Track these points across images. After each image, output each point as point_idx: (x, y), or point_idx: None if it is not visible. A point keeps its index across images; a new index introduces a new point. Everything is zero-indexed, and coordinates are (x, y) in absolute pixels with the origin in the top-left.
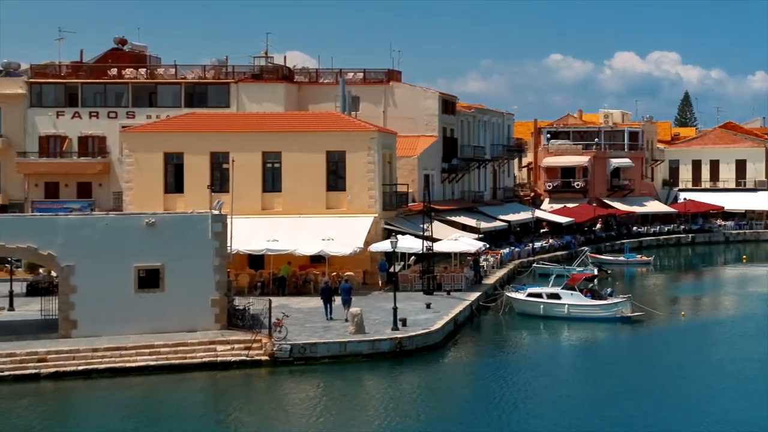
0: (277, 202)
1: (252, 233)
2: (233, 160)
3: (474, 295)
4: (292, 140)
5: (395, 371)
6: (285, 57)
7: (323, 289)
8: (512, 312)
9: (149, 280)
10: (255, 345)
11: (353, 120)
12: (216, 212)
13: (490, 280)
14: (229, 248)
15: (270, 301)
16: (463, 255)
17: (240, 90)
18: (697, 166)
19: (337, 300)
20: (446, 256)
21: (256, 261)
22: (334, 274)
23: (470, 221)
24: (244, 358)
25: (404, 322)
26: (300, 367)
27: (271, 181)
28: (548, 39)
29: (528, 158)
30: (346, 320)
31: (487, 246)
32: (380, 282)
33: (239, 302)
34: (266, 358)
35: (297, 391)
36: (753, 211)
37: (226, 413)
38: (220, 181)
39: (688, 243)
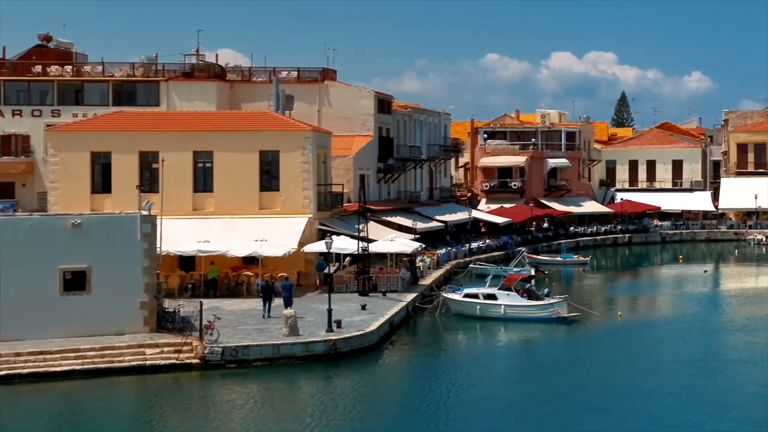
0: (208, 203)
1: (183, 234)
2: (163, 160)
3: (410, 296)
4: (224, 139)
5: (330, 374)
6: (217, 55)
7: (263, 287)
8: (449, 313)
9: (75, 282)
10: (185, 348)
11: (287, 119)
12: (145, 213)
13: (427, 281)
14: (158, 250)
15: (201, 303)
16: (399, 256)
17: (170, 88)
18: (633, 166)
19: (277, 301)
20: (382, 256)
21: (186, 263)
22: (268, 275)
23: (406, 222)
24: (174, 361)
25: (339, 323)
26: (232, 370)
27: (203, 181)
28: (484, 38)
29: (465, 158)
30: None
31: (424, 246)
32: (318, 281)
33: (169, 304)
34: (197, 361)
35: (229, 395)
36: (689, 212)
37: (154, 418)
38: (149, 181)
39: (624, 243)
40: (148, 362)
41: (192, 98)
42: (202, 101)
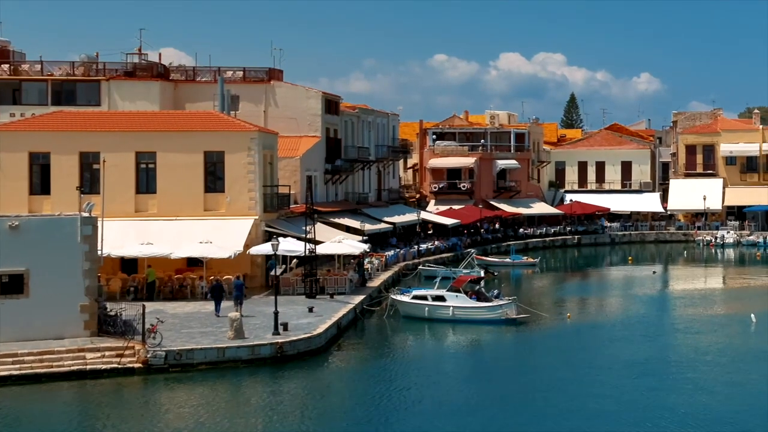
0: (151, 204)
1: (125, 236)
2: (104, 161)
3: (358, 299)
4: (167, 140)
5: (276, 377)
6: (160, 54)
7: (213, 287)
8: (397, 315)
9: (12, 285)
10: (127, 352)
11: (232, 119)
12: (85, 215)
13: (375, 282)
14: (99, 252)
15: (143, 307)
16: (347, 257)
17: (112, 88)
18: (583, 167)
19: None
20: (330, 258)
21: (129, 265)
22: (212, 278)
23: (354, 223)
24: (115, 365)
25: (285, 326)
26: (175, 374)
27: (145, 182)
28: (432, 39)
29: (413, 159)
30: (241, 315)
31: (372, 248)
32: (270, 282)
33: (111, 308)
34: (139, 365)
35: (172, 400)
36: (638, 213)
37: (95, 424)
38: (90, 182)
39: (574, 244)
40: (88, 367)
41: (134, 98)
42: (144, 101)
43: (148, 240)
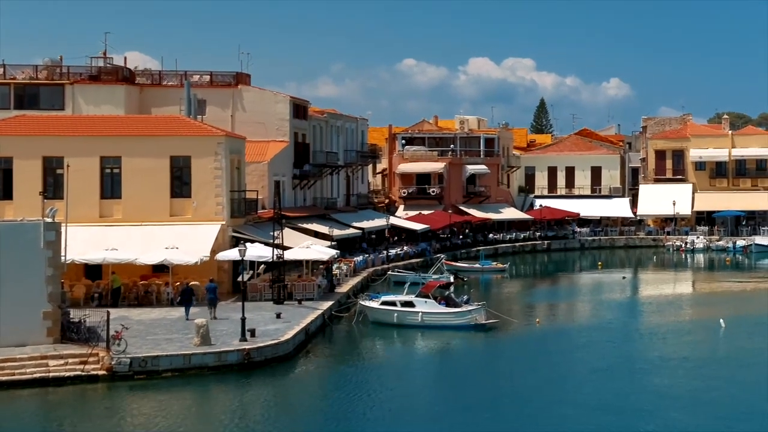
0: (116, 210)
1: (89, 242)
2: (68, 165)
3: (326, 304)
4: (133, 144)
5: (243, 384)
6: (125, 58)
7: (183, 291)
8: (366, 321)
9: None
10: (91, 359)
11: (199, 124)
12: (49, 220)
13: (344, 288)
14: (63, 258)
15: (108, 313)
16: (315, 263)
17: (76, 92)
18: (552, 172)
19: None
20: (298, 264)
21: (93, 271)
22: (178, 283)
23: (323, 228)
24: (79, 373)
25: (253, 332)
26: (141, 381)
27: (110, 187)
28: (400, 43)
29: (382, 164)
30: (212, 318)
31: (340, 254)
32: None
33: (74, 314)
34: (104, 372)
35: (137, 408)
36: (608, 218)
37: None
38: (53, 187)
39: (543, 249)
40: (51, 374)
41: (99, 102)
42: (109, 105)
43: (113, 246)
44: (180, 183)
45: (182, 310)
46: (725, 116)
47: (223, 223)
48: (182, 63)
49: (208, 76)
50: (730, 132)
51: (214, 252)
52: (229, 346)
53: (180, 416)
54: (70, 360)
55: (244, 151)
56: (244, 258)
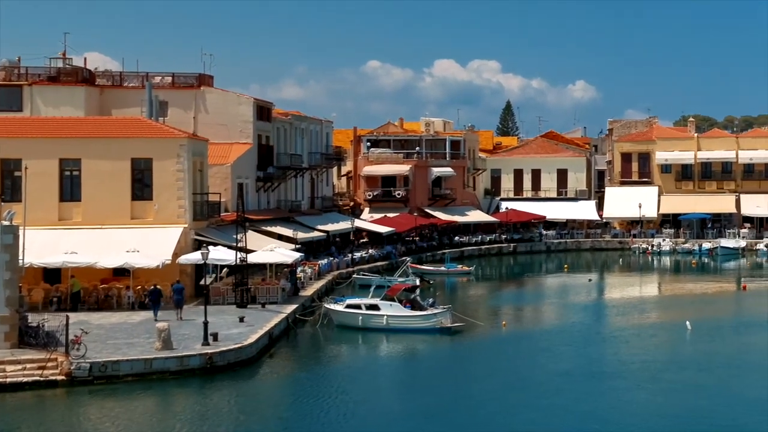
0: (76, 212)
1: (48, 245)
2: (26, 168)
3: (290, 308)
4: (93, 146)
5: (205, 389)
6: (85, 59)
7: (151, 291)
8: (331, 324)
9: None
10: (50, 364)
11: (161, 126)
12: (6, 223)
13: (308, 291)
14: (21, 261)
15: (67, 317)
16: (279, 266)
17: (34, 93)
18: (518, 175)
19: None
20: (261, 267)
21: (52, 275)
22: (139, 287)
23: (287, 231)
24: (37, 378)
25: (215, 336)
26: (100, 386)
27: (70, 189)
28: (365, 45)
29: (347, 167)
30: (179, 318)
31: (305, 257)
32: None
33: (33, 319)
34: (63, 377)
35: (97, 413)
36: (574, 221)
37: None
38: (11, 189)
39: (509, 252)
40: (8, 380)
41: (58, 103)
42: (69, 106)
43: (73, 249)
44: (141, 185)
45: (143, 314)
46: (691, 119)
47: (186, 226)
48: (143, 64)
49: (170, 78)
50: (695, 135)
51: (176, 255)
52: (192, 351)
53: (141, 422)
54: (28, 365)
55: (206, 153)
56: (207, 261)
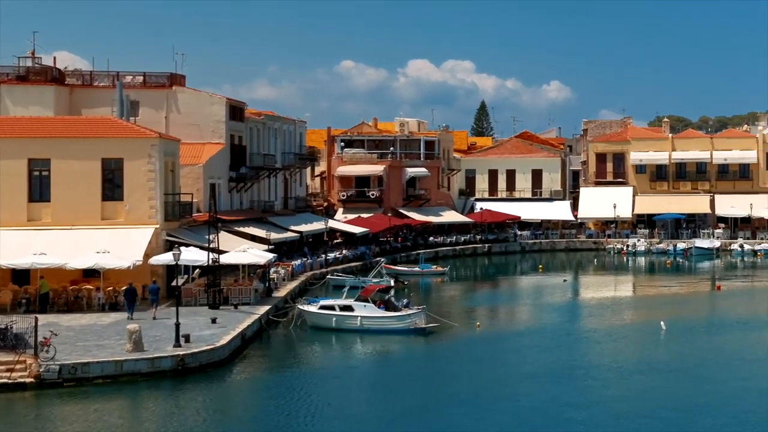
0: (45, 213)
1: (16, 246)
2: None
3: (263, 309)
4: (62, 146)
5: (177, 391)
6: (54, 58)
7: (127, 290)
8: (304, 325)
9: None
10: (18, 366)
11: (132, 126)
12: None
13: (281, 292)
14: None
15: (36, 319)
16: (252, 267)
17: (3, 92)
18: (493, 175)
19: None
20: (234, 268)
21: (21, 276)
22: (110, 289)
23: (260, 232)
24: (5, 380)
25: (187, 338)
26: (70, 389)
27: (39, 190)
28: (339, 45)
29: (321, 167)
30: (154, 318)
31: (278, 257)
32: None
33: (1, 321)
34: (31, 380)
35: (66, 416)
36: (549, 221)
37: None
38: None
39: (484, 253)
40: None
41: (27, 103)
42: (38, 106)
43: (42, 250)
44: (112, 186)
45: (113, 315)
46: (665, 119)
47: (157, 226)
48: (114, 63)
49: (141, 77)
50: (670, 135)
51: (147, 256)
52: (163, 352)
53: (111, 424)
54: None
55: (178, 154)
56: (179, 262)
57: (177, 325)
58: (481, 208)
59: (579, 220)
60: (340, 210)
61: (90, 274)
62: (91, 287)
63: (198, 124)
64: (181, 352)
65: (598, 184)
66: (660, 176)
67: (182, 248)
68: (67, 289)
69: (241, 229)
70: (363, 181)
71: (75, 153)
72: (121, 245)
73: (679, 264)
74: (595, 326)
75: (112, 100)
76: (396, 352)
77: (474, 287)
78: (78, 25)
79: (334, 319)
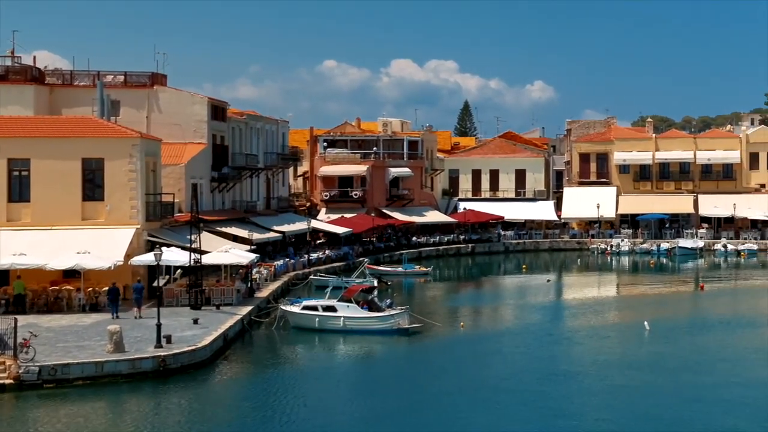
0: (25, 213)
1: None
2: None
3: (246, 309)
4: (42, 146)
5: (158, 392)
6: (34, 57)
7: (110, 290)
8: (287, 326)
9: None
10: None
11: (112, 125)
12: None
13: (264, 293)
14: None
15: (15, 320)
16: (234, 267)
17: None
18: (477, 175)
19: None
20: (216, 268)
21: (0, 277)
22: (90, 289)
23: (242, 232)
24: None
25: (169, 339)
26: (50, 390)
27: (18, 190)
28: (321, 44)
29: (304, 167)
30: (137, 317)
31: (260, 258)
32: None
33: None
34: (11, 381)
35: (46, 418)
36: (532, 221)
37: None
38: None
39: (467, 253)
40: None
41: (7, 102)
42: (17, 105)
43: (21, 251)
44: (93, 186)
45: (94, 316)
46: (649, 119)
47: (138, 226)
48: (95, 63)
49: (122, 77)
50: (653, 135)
51: (128, 256)
52: (144, 353)
53: (91, 426)
54: None
55: (160, 153)
56: (160, 262)
57: (158, 326)
58: (465, 208)
59: (563, 220)
60: (323, 210)
61: (70, 274)
62: (71, 288)
63: (180, 124)
64: (162, 353)
65: (581, 184)
66: (643, 176)
67: (164, 249)
68: (47, 290)
69: (223, 229)
70: (346, 181)
71: (55, 153)
72: (101, 246)
73: (663, 264)
74: (579, 326)
75: (92, 99)
76: (379, 352)
77: (457, 287)
78: (58, 25)
79: (317, 319)
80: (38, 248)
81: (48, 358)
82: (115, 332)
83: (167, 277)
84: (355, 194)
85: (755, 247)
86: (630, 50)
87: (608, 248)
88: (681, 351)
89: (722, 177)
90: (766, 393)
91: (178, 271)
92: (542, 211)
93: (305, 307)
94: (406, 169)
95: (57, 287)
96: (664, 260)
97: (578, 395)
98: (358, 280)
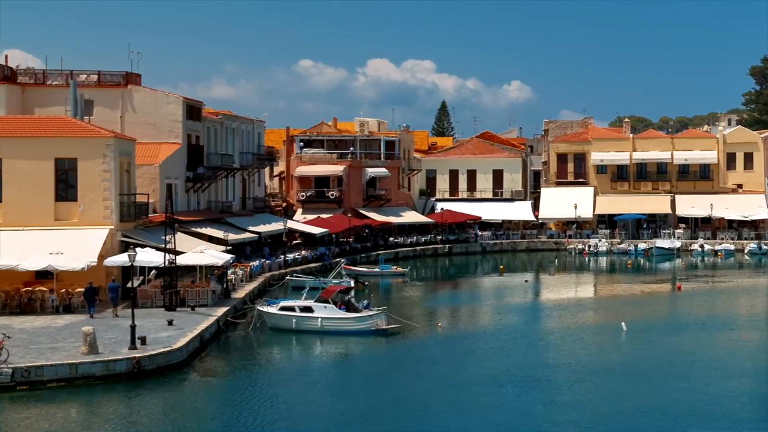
0: None
1: None
2: None
3: (221, 310)
4: (14, 146)
5: (132, 394)
6: (6, 56)
7: (87, 289)
8: (264, 327)
9: None
10: None
11: (86, 125)
12: None
13: (240, 294)
14: None
15: None
16: (209, 268)
17: None
18: (454, 175)
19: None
20: (191, 269)
21: None
22: (64, 290)
23: (217, 233)
24: None
25: (143, 340)
26: (23, 392)
27: None
28: (297, 44)
29: (280, 167)
30: (116, 316)
31: (236, 258)
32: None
33: None
34: None
35: (19, 421)
36: (510, 221)
37: None
38: None
39: (445, 253)
40: None
41: None
42: None
43: None
44: (66, 186)
45: (67, 317)
46: (626, 120)
47: (112, 227)
48: (68, 62)
49: (96, 76)
50: (631, 135)
51: (102, 257)
52: (118, 355)
53: (65, 429)
54: None
55: (134, 153)
56: (134, 263)
57: (132, 327)
58: (442, 209)
59: (540, 221)
60: (299, 210)
61: (43, 275)
62: (44, 289)
63: (154, 124)
64: (137, 355)
65: (559, 184)
66: (621, 176)
67: (138, 249)
68: (20, 291)
69: (198, 229)
70: (322, 181)
71: (28, 153)
72: (75, 246)
73: (640, 264)
74: (556, 327)
75: (65, 99)
76: (357, 353)
77: (435, 288)
78: (30, 23)
79: (294, 320)
80: (11, 249)
81: (22, 359)
82: (89, 333)
83: (141, 278)
84: (332, 194)
85: (732, 247)
86: (607, 51)
87: (586, 248)
88: (657, 352)
89: (699, 177)
90: (736, 402)
91: (153, 272)
92: (520, 211)
93: (282, 308)
94: (383, 170)
95: (30, 288)
96: (642, 260)
97: (555, 396)
98: (335, 281)
